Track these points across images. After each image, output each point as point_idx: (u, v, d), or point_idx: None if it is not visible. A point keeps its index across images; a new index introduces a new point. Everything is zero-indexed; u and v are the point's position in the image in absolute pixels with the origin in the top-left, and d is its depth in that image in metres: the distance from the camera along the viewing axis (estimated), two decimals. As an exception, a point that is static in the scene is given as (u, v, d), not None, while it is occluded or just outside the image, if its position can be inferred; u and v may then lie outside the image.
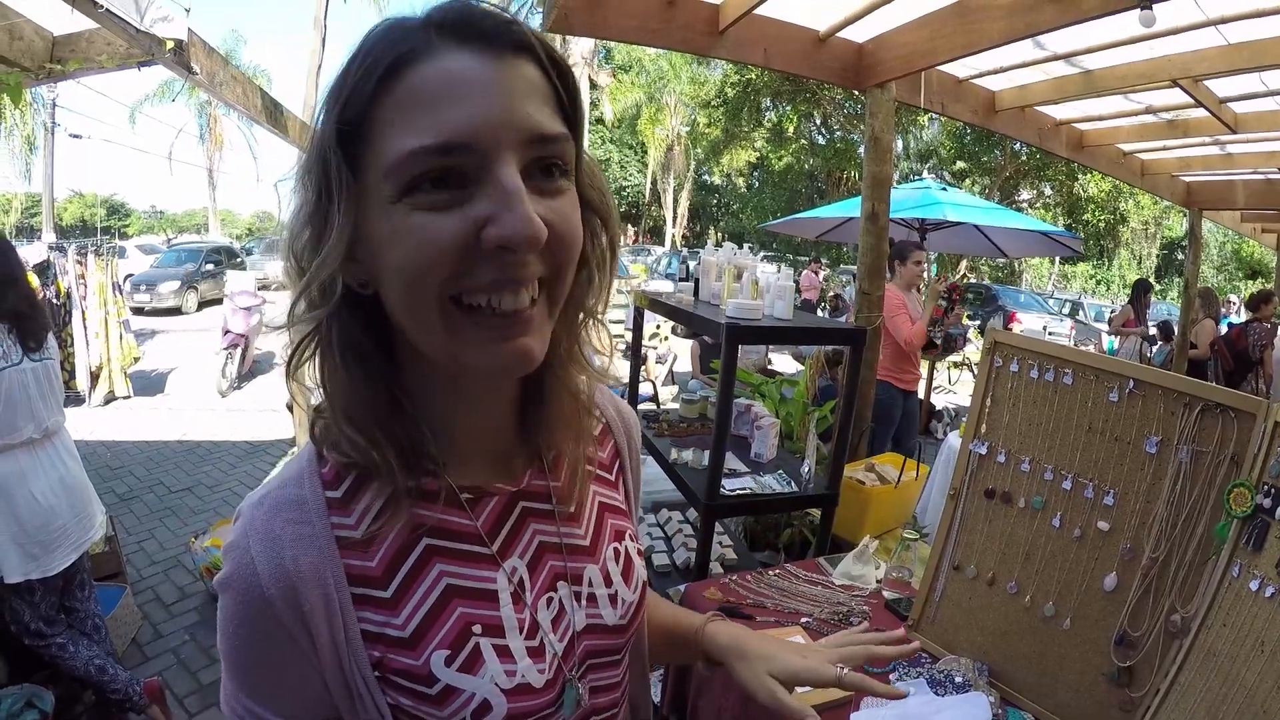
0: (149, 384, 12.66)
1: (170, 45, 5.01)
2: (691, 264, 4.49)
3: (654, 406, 8.19)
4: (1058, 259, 38.38)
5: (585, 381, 1.16)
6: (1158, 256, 40.62)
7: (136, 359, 12.06)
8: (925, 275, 7.44)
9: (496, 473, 1.11)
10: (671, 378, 13.21)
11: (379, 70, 0.84)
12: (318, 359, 0.96)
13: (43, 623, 3.68)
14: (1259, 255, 35.80)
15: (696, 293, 4.18)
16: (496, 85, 0.86)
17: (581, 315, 1.09)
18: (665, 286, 4.98)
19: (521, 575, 1.09)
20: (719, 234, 47.41)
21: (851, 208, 8.13)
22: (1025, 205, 28.30)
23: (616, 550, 1.24)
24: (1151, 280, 13.16)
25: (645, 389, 9.74)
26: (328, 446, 1.00)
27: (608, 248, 1.07)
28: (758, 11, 4.89)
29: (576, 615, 1.15)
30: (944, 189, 11.05)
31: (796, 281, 22.97)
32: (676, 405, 5.14)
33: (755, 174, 40.56)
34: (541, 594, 1.11)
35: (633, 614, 1.23)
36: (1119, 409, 2.01)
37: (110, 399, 11.23)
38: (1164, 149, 9.23)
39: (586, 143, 0.94)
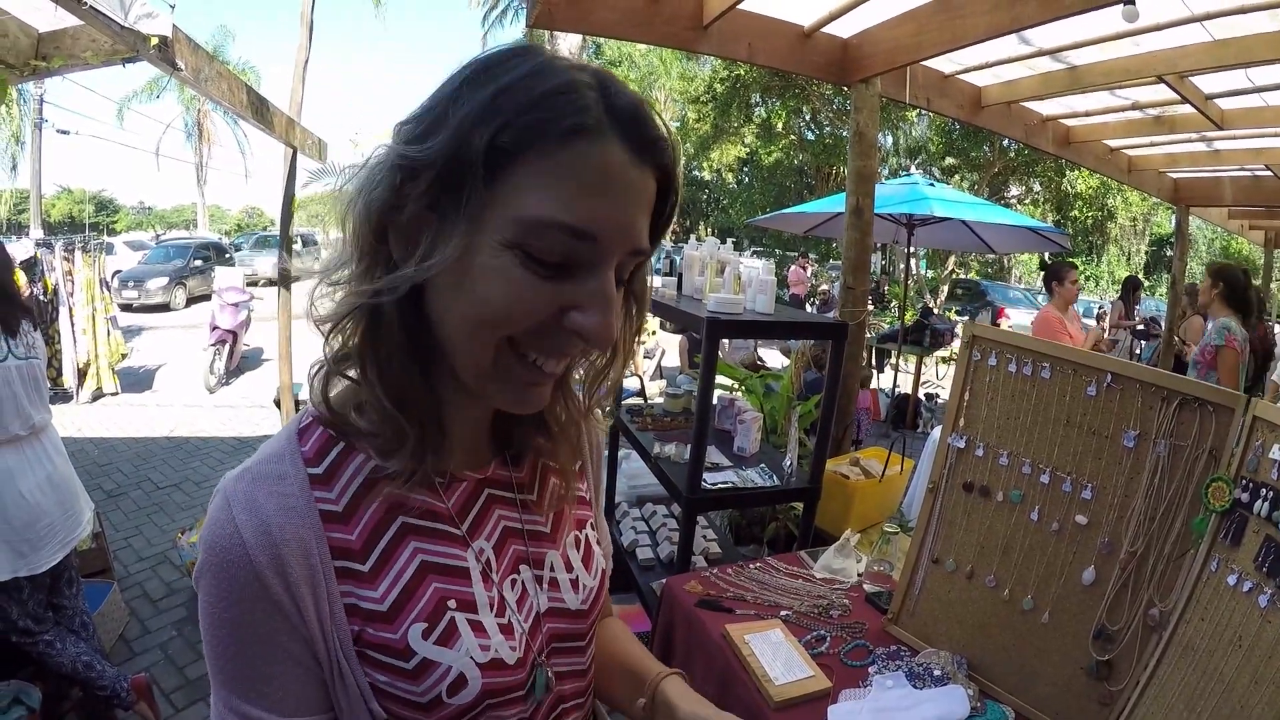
0: (137, 380, 12.60)
1: (155, 41, 4.99)
2: (676, 259, 4.47)
3: (641, 401, 8.18)
4: (1047, 255, 38.50)
5: (584, 427, 1.27)
6: (1146, 253, 40.56)
7: (124, 355, 12.00)
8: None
9: (466, 461, 1.14)
10: (660, 372, 13.20)
11: (554, 129, 0.86)
12: (359, 336, 0.98)
13: (30, 620, 3.66)
14: (1247, 252, 35.82)
15: (680, 287, 4.19)
16: (636, 195, 0.92)
17: (606, 384, 1.18)
18: (653, 282, 4.97)
19: (488, 556, 1.12)
20: (709, 229, 47.39)
21: (839, 203, 8.10)
22: (1014, 201, 28.23)
23: (577, 538, 1.29)
24: (1141, 277, 13.12)
25: (632, 383, 9.73)
26: (353, 410, 1.03)
27: (635, 331, 1.15)
28: (742, 6, 4.89)
29: (539, 597, 1.18)
30: (931, 184, 11.03)
31: (784, 277, 22.96)
32: (662, 400, 5.13)
33: (745, 169, 40.42)
34: (506, 575, 1.14)
35: (593, 600, 1.26)
36: (1097, 403, 2.01)
37: (98, 395, 11.16)
38: (1151, 145, 9.24)
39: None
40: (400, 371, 0.97)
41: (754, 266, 3.75)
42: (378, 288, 0.92)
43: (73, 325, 10.66)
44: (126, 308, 19.91)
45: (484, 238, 0.88)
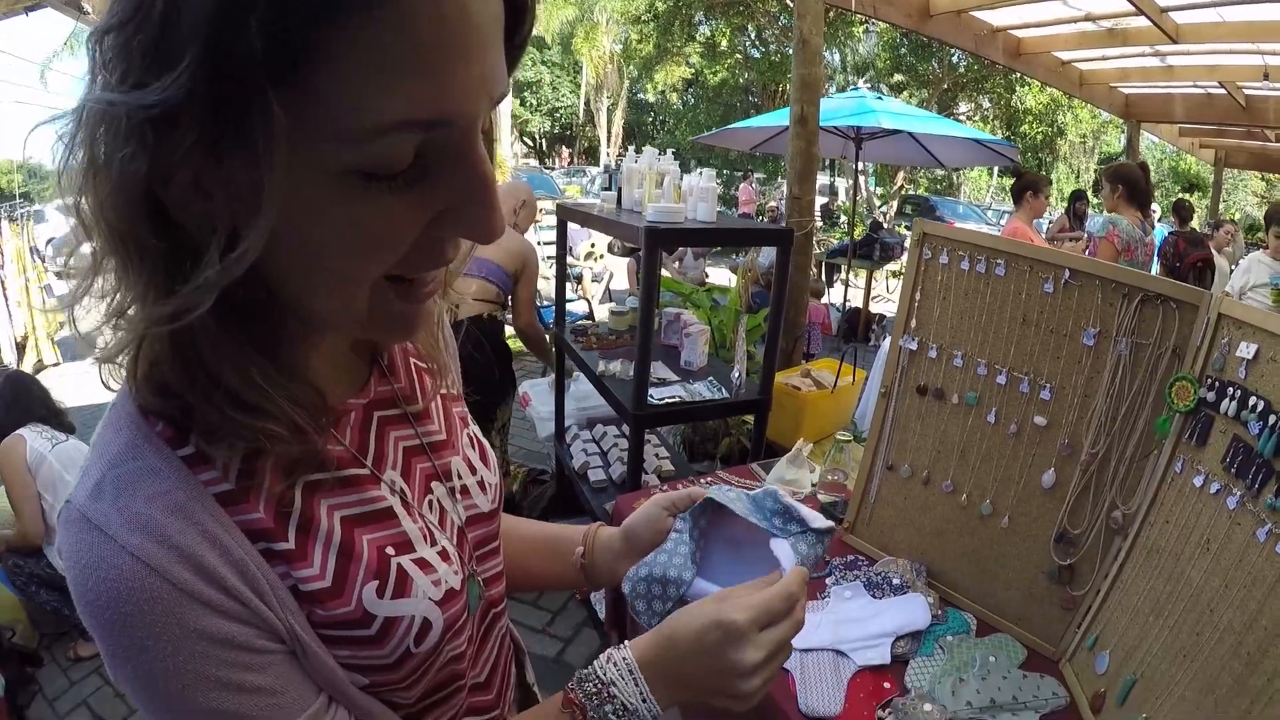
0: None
1: (59, -16, 4.84)
2: (617, 176, 4.36)
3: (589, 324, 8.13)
4: (996, 172, 38.62)
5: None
6: (1096, 171, 40.79)
7: (63, 324, 11.79)
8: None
9: (344, 389, 0.98)
10: (609, 296, 13.10)
11: None
12: (167, 360, 0.73)
13: None
14: (1196, 170, 36.18)
15: (620, 202, 4.09)
16: (486, 27, 0.67)
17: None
18: (593, 199, 4.94)
19: (401, 485, 0.99)
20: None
21: (784, 117, 8.00)
22: (963, 118, 28.31)
23: (470, 437, 1.17)
24: (1090, 194, 13.18)
25: (580, 307, 9.67)
26: (205, 439, 0.77)
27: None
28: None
29: (457, 509, 1.08)
30: (879, 98, 10.95)
31: (734, 197, 22.97)
32: (608, 320, 5.06)
33: (690, 90, 40.26)
34: (422, 498, 1.03)
35: (499, 496, 1.19)
36: (1054, 300, 1.94)
37: (39, 368, 10.81)
38: (1103, 59, 9.27)
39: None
40: (239, 380, 0.74)
41: (694, 175, 3.68)
42: (176, 308, 0.66)
43: (5, 298, 10.43)
44: (63, 275, 19.60)
45: (303, 172, 0.63)
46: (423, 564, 0.95)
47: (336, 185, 0.65)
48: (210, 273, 0.64)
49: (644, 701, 0.97)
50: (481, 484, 1.14)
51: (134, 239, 0.66)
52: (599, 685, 0.97)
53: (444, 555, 0.99)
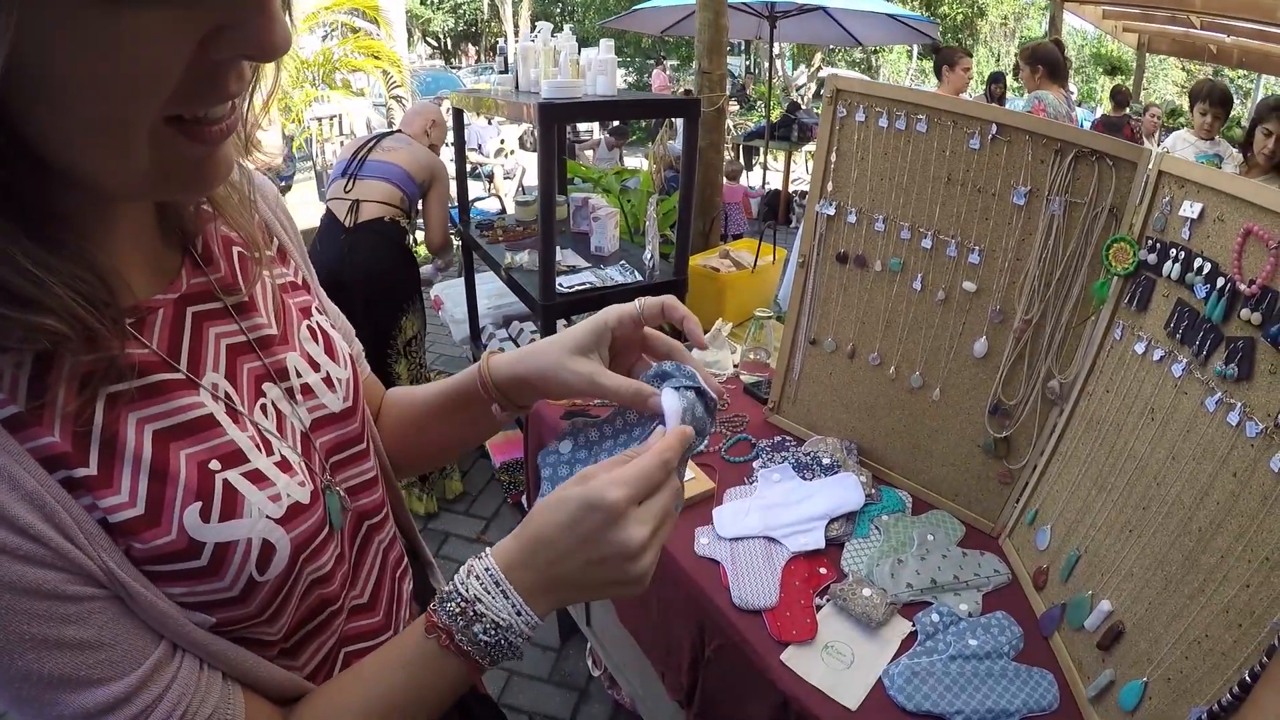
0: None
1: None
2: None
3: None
4: (916, 55, 38.60)
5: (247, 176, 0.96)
6: (1016, 55, 41.07)
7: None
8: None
9: (148, 281, 0.84)
10: (522, 191, 12.89)
11: None
12: None
13: None
14: (1118, 54, 36.47)
15: (517, 85, 3.97)
16: None
17: (262, 96, 0.80)
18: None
19: (225, 389, 0.87)
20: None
21: (695, -7, 7.83)
22: (883, -1, 28.30)
23: (310, 329, 1.04)
24: (1010, 79, 13.23)
25: (493, 205, 9.50)
26: None
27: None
28: None
29: (298, 413, 0.96)
30: (794, -27, 10.78)
31: (649, 84, 22.80)
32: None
33: (600, -24, 39.78)
34: (253, 403, 0.90)
35: (353, 392, 1.06)
36: (981, 157, 1.84)
37: None
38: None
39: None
40: (3, 267, 0.63)
41: (593, 49, 3.58)
42: None
43: None
44: None
45: (35, 11, 0.53)
46: (256, 477, 0.83)
47: (82, 6, 0.54)
48: None
49: (518, 614, 0.84)
50: (328, 381, 1.02)
51: None
52: (462, 604, 0.84)
53: (284, 465, 0.88)
